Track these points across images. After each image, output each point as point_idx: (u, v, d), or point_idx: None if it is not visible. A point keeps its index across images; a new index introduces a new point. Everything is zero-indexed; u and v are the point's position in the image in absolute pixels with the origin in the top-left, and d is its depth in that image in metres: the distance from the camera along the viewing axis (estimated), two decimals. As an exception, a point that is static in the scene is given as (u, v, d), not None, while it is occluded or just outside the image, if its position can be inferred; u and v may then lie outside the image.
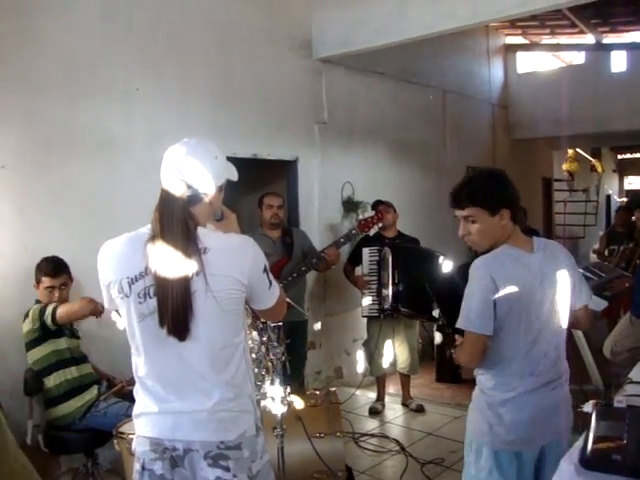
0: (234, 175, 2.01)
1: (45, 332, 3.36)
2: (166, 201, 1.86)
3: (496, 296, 2.08)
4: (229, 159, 2.01)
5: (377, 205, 5.11)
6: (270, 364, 2.99)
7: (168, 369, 1.86)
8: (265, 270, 1.90)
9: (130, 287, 1.83)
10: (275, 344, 2.92)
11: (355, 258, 5.09)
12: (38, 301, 3.49)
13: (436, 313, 4.70)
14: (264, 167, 5.35)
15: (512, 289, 2.09)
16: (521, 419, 2.13)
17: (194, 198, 1.88)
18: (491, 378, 2.19)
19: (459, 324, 2.14)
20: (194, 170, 1.86)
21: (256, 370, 2.90)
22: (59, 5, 3.87)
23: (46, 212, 3.79)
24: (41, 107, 3.78)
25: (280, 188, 5.34)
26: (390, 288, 4.77)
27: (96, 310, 3.28)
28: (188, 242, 1.80)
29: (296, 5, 5.52)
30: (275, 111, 5.26)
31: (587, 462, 1.54)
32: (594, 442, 1.59)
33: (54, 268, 3.50)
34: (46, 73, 3.80)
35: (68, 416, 3.36)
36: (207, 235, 1.86)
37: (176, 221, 1.81)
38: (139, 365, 1.91)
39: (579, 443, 1.66)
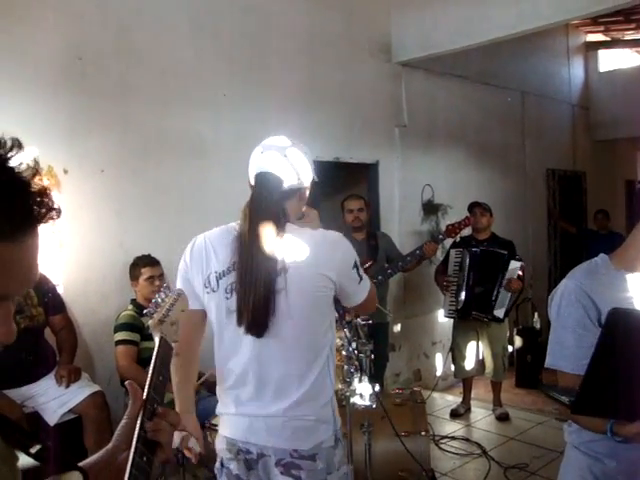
0: (315, 175, 1.96)
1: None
2: (259, 196, 1.80)
3: None
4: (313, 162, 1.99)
5: (473, 207, 4.93)
6: (358, 363, 3.03)
7: (248, 368, 1.79)
8: (355, 265, 1.83)
9: (218, 282, 1.80)
10: (364, 341, 2.96)
11: (446, 259, 5.05)
12: (134, 300, 3.68)
13: (500, 313, 4.68)
14: (346, 170, 5.41)
15: None
16: None
17: (288, 192, 1.83)
18: None
19: None
20: (290, 164, 1.83)
21: (345, 367, 2.91)
22: (153, 21, 4.08)
23: (141, 214, 3.98)
24: (137, 115, 3.98)
25: (361, 191, 5.35)
26: (464, 291, 4.78)
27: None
28: (277, 238, 1.74)
29: (376, 10, 5.57)
30: (356, 115, 5.33)
31: None
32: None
33: (152, 259, 3.73)
34: (141, 83, 4.01)
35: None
36: (296, 231, 1.79)
37: (269, 216, 1.76)
38: (222, 362, 1.87)
39: None
